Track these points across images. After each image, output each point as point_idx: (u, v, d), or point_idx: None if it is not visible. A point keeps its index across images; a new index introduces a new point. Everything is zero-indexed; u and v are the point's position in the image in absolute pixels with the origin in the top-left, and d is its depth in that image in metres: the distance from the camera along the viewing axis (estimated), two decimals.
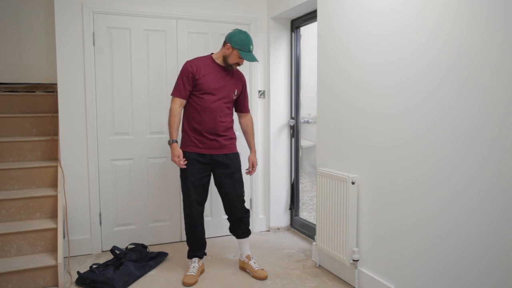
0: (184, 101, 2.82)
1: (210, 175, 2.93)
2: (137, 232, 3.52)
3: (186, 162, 2.81)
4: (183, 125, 2.89)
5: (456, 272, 1.98)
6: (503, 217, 1.75)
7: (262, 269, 2.92)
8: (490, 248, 1.81)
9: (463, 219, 1.93)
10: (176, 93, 2.81)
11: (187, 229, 2.93)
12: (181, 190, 2.96)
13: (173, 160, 2.81)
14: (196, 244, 2.95)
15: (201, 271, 2.95)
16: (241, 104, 3.01)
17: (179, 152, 2.80)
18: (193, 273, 2.84)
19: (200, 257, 2.97)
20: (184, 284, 2.78)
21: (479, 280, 1.87)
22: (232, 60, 2.81)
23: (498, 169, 1.76)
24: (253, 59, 2.81)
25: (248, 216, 3.00)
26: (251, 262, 2.96)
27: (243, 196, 2.98)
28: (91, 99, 3.29)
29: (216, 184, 2.94)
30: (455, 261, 1.98)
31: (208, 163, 2.85)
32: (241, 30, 2.82)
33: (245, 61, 2.85)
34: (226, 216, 3.02)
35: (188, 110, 2.85)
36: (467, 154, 1.89)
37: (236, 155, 2.94)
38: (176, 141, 2.81)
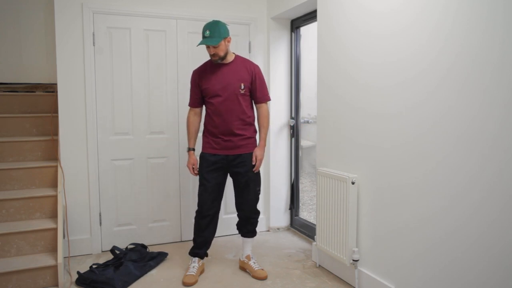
0: (197, 109, 2.95)
1: (226, 175, 2.94)
2: (137, 232, 3.52)
3: (197, 172, 2.92)
4: (203, 130, 2.96)
5: (456, 272, 1.98)
6: (503, 217, 1.75)
7: (262, 269, 2.92)
8: (491, 248, 1.81)
9: (463, 219, 1.93)
10: (189, 103, 2.98)
11: (195, 226, 2.96)
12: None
13: (187, 166, 2.95)
14: (200, 242, 2.94)
15: (201, 271, 2.95)
16: (253, 95, 2.90)
17: (194, 160, 2.92)
18: (193, 273, 2.84)
19: (201, 257, 2.97)
20: (184, 284, 2.78)
21: (480, 280, 1.87)
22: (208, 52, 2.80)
23: (498, 169, 1.75)
24: (201, 43, 2.70)
25: (256, 218, 2.99)
26: (251, 262, 2.96)
27: (257, 194, 2.95)
28: (91, 99, 3.29)
29: (233, 182, 2.97)
30: (455, 261, 1.98)
31: (223, 163, 2.86)
32: None
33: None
34: (228, 216, 3.02)
35: (205, 116, 2.92)
36: (467, 154, 1.89)
37: (250, 155, 2.88)
38: (193, 149, 2.94)
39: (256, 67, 2.90)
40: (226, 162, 2.86)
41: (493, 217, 1.79)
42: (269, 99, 2.96)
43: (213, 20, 2.75)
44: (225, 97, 2.79)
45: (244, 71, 2.85)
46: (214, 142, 2.85)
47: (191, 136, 2.95)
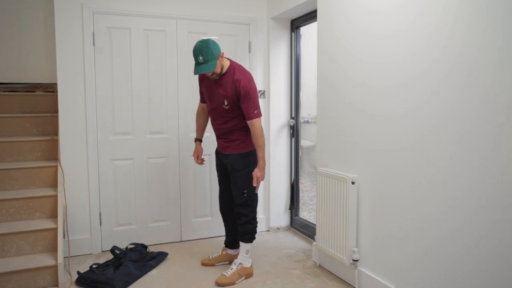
0: (204, 105, 3.06)
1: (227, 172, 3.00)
2: (137, 232, 3.52)
3: (203, 161, 3.11)
4: None
5: (457, 274, 1.98)
6: (504, 219, 1.74)
7: (226, 276, 2.80)
8: (492, 249, 1.81)
9: (465, 220, 1.93)
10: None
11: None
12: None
13: (193, 156, 3.15)
14: (225, 232, 3.15)
15: (226, 260, 3.12)
16: (243, 113, 2.77)
17: (199, 151, 3.09)
18: (209, 256, 3.14)
19: (226, 246, 3.15)
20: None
21: (480, 281, 1.86)
22: None
23: (500, 172, 1.75)
24: (198, 71, 2.61)
25: (243, 220, 2.87)
26: (231, 265, 2.92)
27: (243, 196, 2.85)
28: (91, 99, 3.29)
29: None
30: (456, 262, 1.98)
31: (222, 161, 2.98)
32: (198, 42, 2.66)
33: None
34: None
35: None
36: (469, 156, 1.88)
37: (236, 156, 2.84)
38: (200, 140, 3.11)
39: (241, 84, 2.68)
40: (223, 160, 2.95)
41: (495, 219, 1.78)
42: (256, 117, 2.73)
43: (201, 41, 2.61)
44: (212, 106, 2.87)
45: (230, 87, 2.72)
46: (216, 140, 3.00)
47: (198, 128, 3.13)
